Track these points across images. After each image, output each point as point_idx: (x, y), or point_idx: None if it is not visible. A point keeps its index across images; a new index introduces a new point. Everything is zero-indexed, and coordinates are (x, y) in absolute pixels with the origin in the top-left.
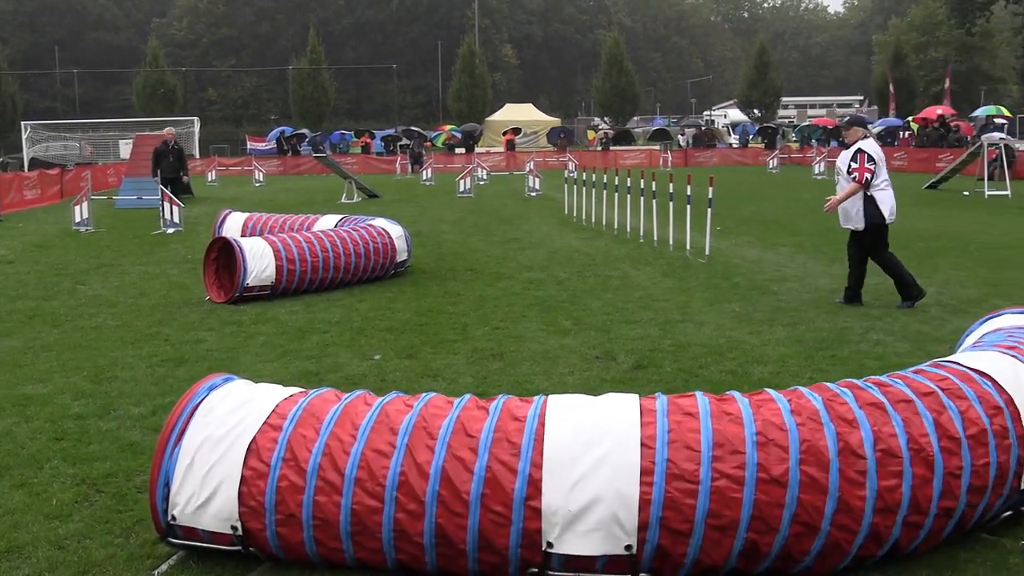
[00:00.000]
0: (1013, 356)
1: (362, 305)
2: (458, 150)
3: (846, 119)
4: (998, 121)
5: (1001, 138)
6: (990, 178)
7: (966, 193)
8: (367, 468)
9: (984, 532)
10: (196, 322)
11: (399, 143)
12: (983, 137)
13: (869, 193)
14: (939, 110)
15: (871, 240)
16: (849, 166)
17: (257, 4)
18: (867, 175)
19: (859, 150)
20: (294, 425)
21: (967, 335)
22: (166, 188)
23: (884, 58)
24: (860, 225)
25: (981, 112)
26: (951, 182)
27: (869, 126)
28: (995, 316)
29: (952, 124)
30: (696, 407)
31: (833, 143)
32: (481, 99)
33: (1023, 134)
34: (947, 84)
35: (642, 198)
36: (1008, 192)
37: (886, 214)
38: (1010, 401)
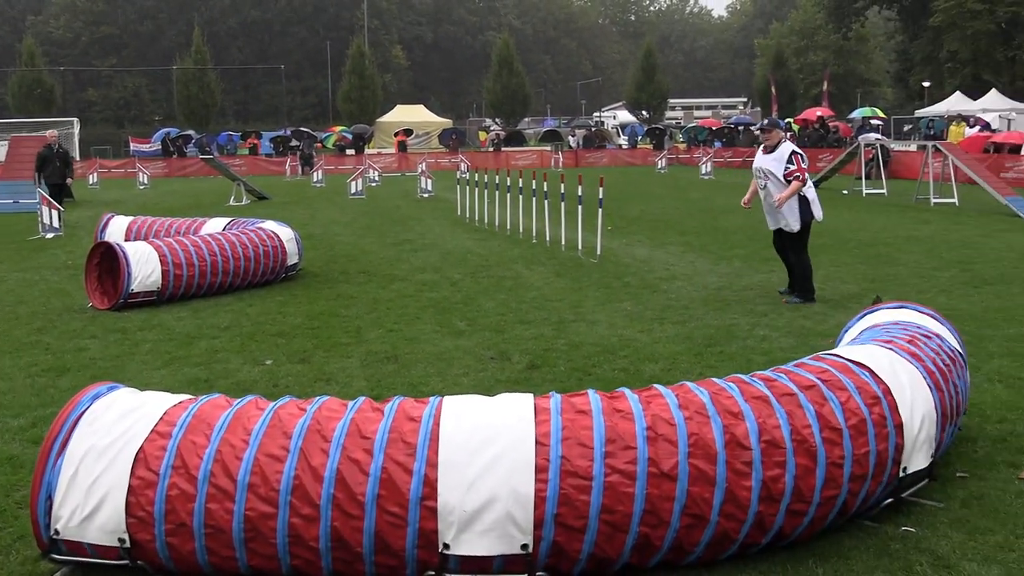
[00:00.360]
0: (889, 348)
1: (252, 310)
2: (349, 151)
3: (764, 122)
4: (874, 122)
5: (877, 139)
6: (867, 177)
7: (845, 192)
8: (260, 473)
9: (866, 519)
10: (78, 330)
11: (289, 144)
12: (860, 138)
13: (802, 193)
14: (818, 111)
15: (799, 238)
16: (786, 168)
17: (139, 2)
18: (807, 175)
19: (794, 152)
20: (184, 432)
21: (847, 329)
22: (53, 194)
23: (766, 61)
24: (796, 226)
25: (857, 114)
26: (831, 181)
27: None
28: (873, 311)
29: (831, 125)
30: (589, 405)
31: (718, 144)
32: (372, 100)
33: (898, 135)
34: (825, 86)
35: (534, 199)
36: (884, 191)
37: (817, 213)
38: (887, 391)
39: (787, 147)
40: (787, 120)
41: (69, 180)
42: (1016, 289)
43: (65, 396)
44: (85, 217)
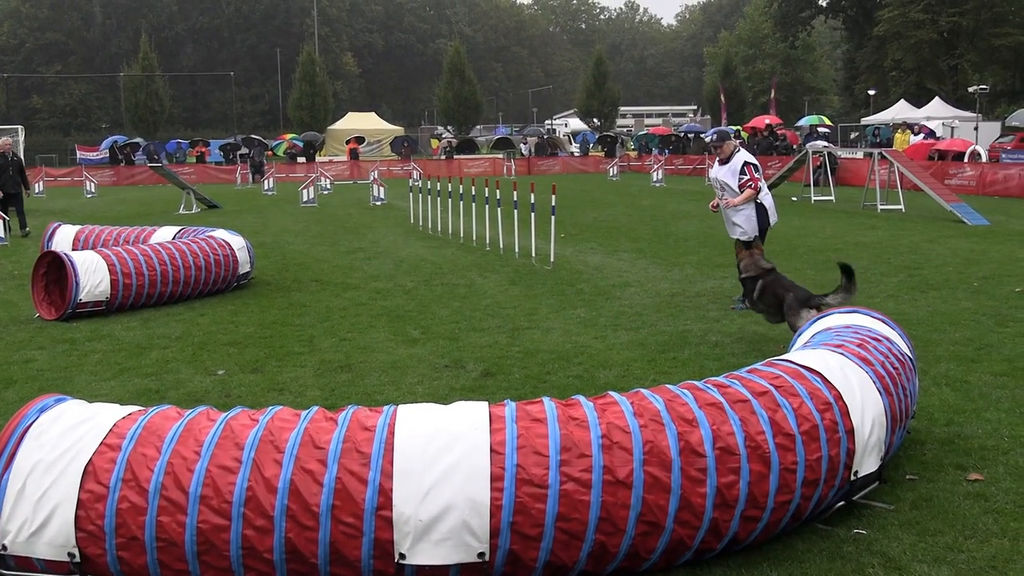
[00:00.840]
0: (840, 353)
1: (203, 319)
2: (300, 159)
3: (712, 134)
4: (821, 130)
5: (824, 146)
6: (815, 184)
7: (794, 199)
8: (212, 485)
9: (819, 523)
10: (25, 341)
11: (239, 152)
12: (808, 145)
13: (758, 201)
14: (767, 119)
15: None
16: (740, 178)
17: (85, 8)
18: (760, 184)
19: (746, 162)
20: (134, 444)
21: (799, 335)
22: (8, 204)
23: (715, 69)
24: (754, 233)
25: (805, 121)
26: (779, 188)
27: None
28: (824, 316)
29: (779, 133)
30: (544, 413)
31: (666, 151)
32: (322, 108)
33: (844, 142)
34: (773, 94)
35: (487, 206)
36: (832, 197)
37: (772, 219)
38: (839, 397)
39: (740, 157)
40: (736, 128)
41: (28, 192)
42: (961, 294)
43: (11, 409)
44: (31, 226)
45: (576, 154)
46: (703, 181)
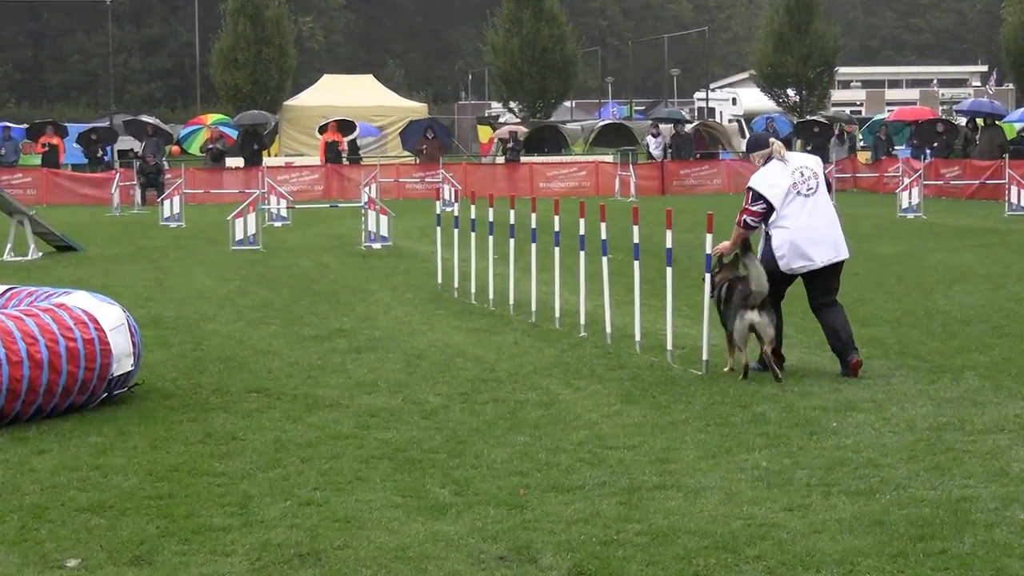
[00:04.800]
0: None
1: (45, 461)
2: (232, 162)
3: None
4: None
5: None
6: None
7: None
8: None
9: None
10: None
11: (115, 148)
12: None
13: (767, 231)
14: None
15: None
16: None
17: None
18: (747, 218)
19: (748, 187)
20: None
21: None
22: None
23: None
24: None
25: None
26: None
27: (773, 143)
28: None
29: None
30: None
31: (927, 152)
32: (276, 67)
33: None
34: None
35: (582, 255)
36: None
37: (779, 257)
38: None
39: (751, 179)
40: None
41: None
42: None
43: None
44: None
45: (756, 157)
46: (1001, 209)
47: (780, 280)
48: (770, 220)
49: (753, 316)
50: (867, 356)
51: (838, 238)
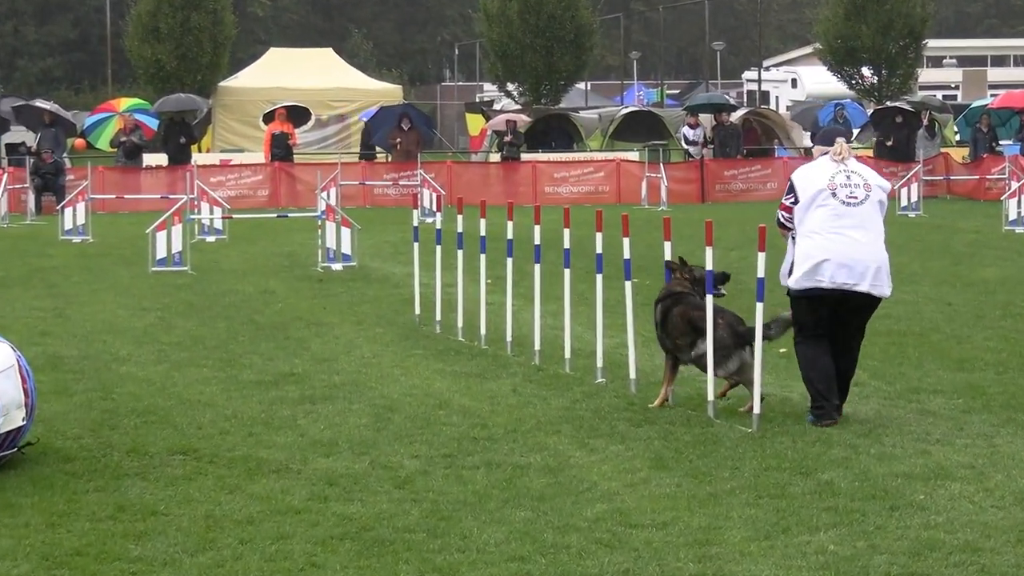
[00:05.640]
0: None
1: None
2: (152, 159)
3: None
4: None
5: None
6: None
7: None
8: None
9: None
10: None
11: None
12: None
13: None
14: None
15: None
16: None
17: None
18: (780, 214)
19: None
20: None
21: None
22: None
23: None
24: (785, 283)
25: None
26: None
27: (840, 143)
28: None
29: None
30: None
31: None
32: (210, 37)
33: None
34: None
35: (599, 279)
36: None
37: (790, 273)
38: None
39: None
40: None
41: None
42: None
43: None
44: None
45: (815, 151)
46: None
47: (806, 308)
48: (795, 221)
49: (746, 357)
50: (964, 409)
51: (875, 267)
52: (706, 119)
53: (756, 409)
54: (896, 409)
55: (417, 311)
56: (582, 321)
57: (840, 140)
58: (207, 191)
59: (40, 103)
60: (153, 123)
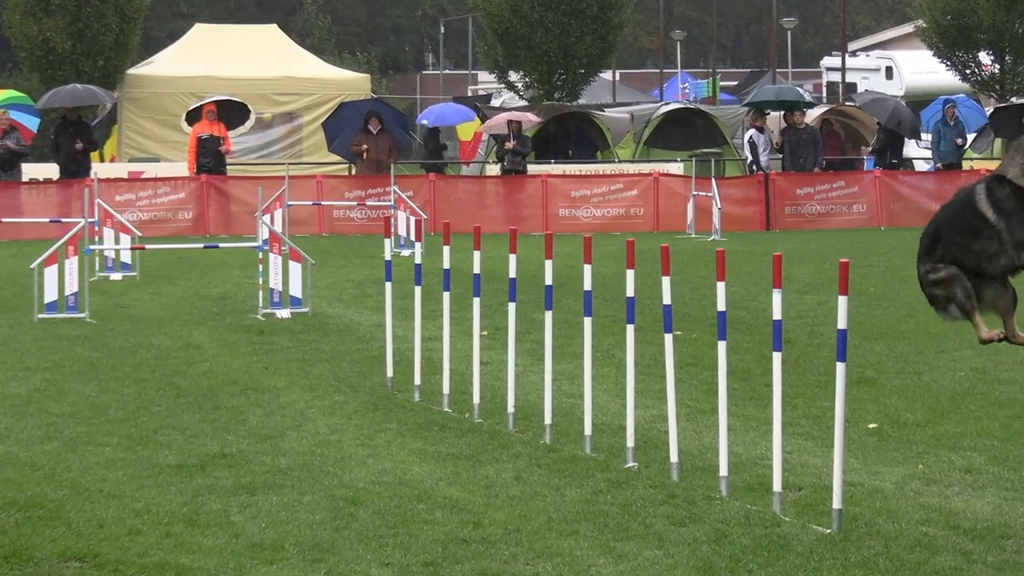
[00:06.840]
0: None
1: None
2: (34, 171)
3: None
4: None
5: None
6: None
7: None
8: None
9: None
10: None
11: None
12: None
13: None
14: None
15: None
16: None
17: None
18: None
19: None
20: None
21: None
22: None
23: None
24: None
25: None
26: None
27: None
28: None
29: None
30: None
31: None
32: (115, 10)
33: None
34: None
35: (630, 331)
36: None
37: None
38: None
39: None
40: None
41: None
42: None
43: None
44: None
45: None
46: None
47: None
48: None
49: None
50: None
51: None
52: (773, 120)
53: (836, 503)
54: (1022, 504)
55: (389, 373)
56: (608, 387)
57: None
58: (112, 213)
59: None
60: (33, 123)
